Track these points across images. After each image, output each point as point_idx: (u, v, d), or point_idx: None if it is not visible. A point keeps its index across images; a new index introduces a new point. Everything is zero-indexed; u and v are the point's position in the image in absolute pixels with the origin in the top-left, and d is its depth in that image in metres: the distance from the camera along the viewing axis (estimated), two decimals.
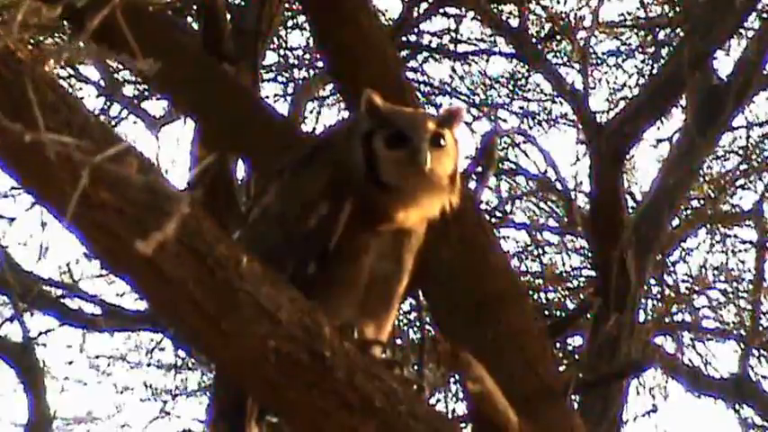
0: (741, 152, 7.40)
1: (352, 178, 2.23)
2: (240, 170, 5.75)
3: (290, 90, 7.39)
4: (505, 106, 7.52)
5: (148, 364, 7.62)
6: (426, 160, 2.22)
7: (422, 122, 2.28)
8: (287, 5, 6.86)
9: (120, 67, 6.55)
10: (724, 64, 8.23)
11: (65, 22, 4.86)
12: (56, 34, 6.12)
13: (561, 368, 6.12)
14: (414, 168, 2.22)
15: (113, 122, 6.95)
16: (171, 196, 1.36)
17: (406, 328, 6.53)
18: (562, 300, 7.19)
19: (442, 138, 2.27)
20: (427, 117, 2.33)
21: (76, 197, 1.43)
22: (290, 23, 7.30)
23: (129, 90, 7.20)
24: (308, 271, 2.23)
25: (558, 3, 7.13)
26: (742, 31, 6.52)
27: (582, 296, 6.97)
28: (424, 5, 7.15)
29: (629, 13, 7.32)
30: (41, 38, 5.89)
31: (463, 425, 4.05)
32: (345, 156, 2.25)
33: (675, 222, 7.04)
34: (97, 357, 7.57)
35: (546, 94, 7.48)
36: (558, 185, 6.57)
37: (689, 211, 7.35)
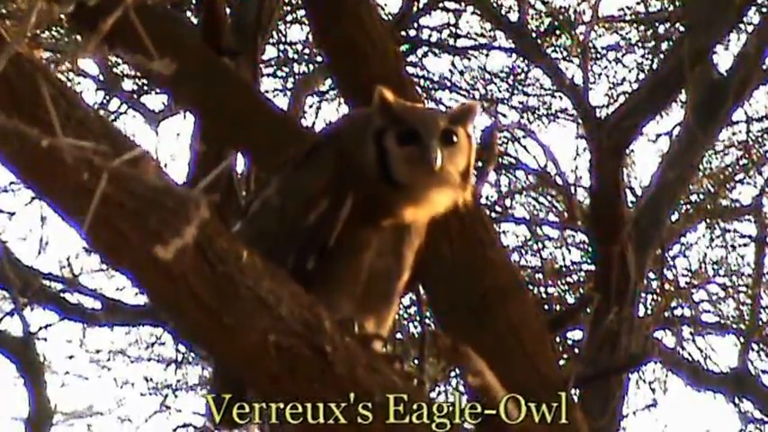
0: (741, 147, 7.41)
1: (357, 175, 2.22)
2: (240, 164, 5.75)
3: (289, 85, 7.39)
4: (505, 101, 7.53)
5: (149, 359, 7.63)
6: (436, 158, 2.20)
7: (433, 119, 2.26)
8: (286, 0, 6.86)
9: (119, 61, 6.54)
10: (724, 58, 8.24)
11: (74, 20, 4.85)
12: (55, 28, 6.12)
13: (561, 362, 6.13)
14: (424, 166, 2.21)
15: (113, 117, 6.95)
16: (188, 199, 1.34)
17: (406, 322, 6.53)
18: (562, 294, 7.19)
19: (454, 135, 2.25)
20: (439, 114, 2.31)
21: (95, 204, 1.41)
22: (289, 18, 7.30)
23: (128, 84, 7.21)
24: (308, 266, 2.23)
25: None
26: (742, 25, 6.52)
27: (582, 291, 6.97)
28: (423, 0, 7.15)
29: (629, 8, 7.32)
30: (40, 32, 5.88)
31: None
32: (353, 153, 2.25)
33: (675, 217, 7.05)
34: (97, 352, 7.58)
35: (546, 89, 7.48)
36: (558, 180, 6.57)
37: (689, 206, 7.36)
